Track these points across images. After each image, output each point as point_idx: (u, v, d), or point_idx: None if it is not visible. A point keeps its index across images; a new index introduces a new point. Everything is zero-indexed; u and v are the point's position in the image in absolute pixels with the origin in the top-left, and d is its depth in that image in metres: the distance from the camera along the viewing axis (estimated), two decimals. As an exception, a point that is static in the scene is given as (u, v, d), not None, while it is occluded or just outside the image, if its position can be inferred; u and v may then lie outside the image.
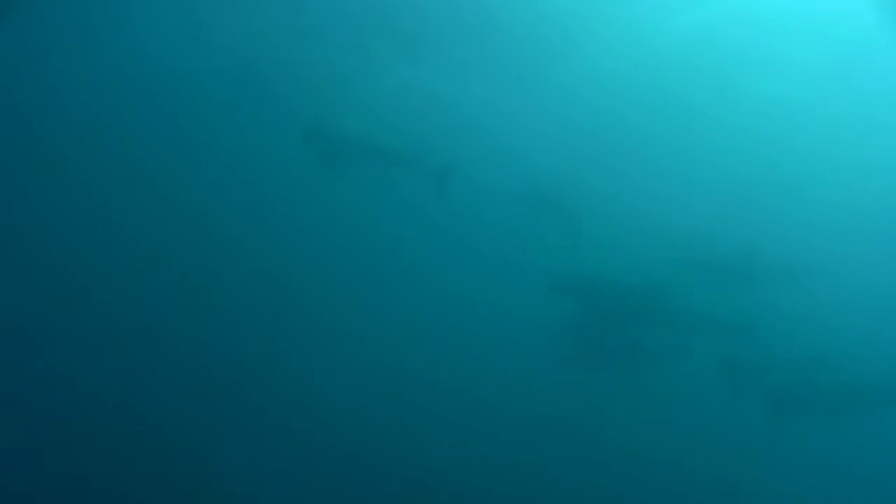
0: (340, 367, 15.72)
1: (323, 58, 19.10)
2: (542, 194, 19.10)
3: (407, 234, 18.42)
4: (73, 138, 16.74)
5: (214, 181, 17.84)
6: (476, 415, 15.32)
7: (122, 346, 14.92)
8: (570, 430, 15.09)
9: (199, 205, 17.41)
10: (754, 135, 20.17)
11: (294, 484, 14.02)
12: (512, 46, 19.35)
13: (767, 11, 18.99)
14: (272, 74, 19.02)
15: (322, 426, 14.62)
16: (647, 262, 16.03)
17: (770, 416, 14.96)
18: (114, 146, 17.10)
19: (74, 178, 16.46)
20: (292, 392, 15.10)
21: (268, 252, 17.55)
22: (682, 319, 15.44)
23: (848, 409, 15.05)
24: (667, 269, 16.17)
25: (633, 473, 14.72)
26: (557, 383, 15.44)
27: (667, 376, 15.67)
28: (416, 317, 16.93)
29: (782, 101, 20.07)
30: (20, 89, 16.75)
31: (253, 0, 18.21)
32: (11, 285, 14.83)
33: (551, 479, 14.57)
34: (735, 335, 15.44)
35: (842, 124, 20.19)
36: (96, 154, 16.89)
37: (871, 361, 15.59)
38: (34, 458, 12.88)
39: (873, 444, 15.71)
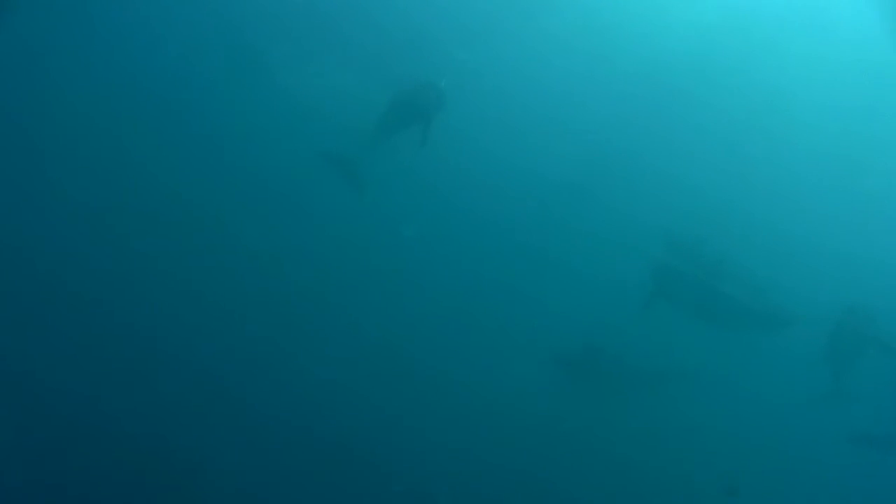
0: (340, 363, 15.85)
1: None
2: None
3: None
4: (75, 136, 16.66)
5: (216, 176, 17.74)
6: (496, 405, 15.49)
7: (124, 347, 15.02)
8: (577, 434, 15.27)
9: (201, 201, 17.33)
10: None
11: (289, 482, 14.21)
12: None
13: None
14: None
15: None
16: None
17: None
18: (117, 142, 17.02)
19: (76, 178, 16.40)
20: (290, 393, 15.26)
21: (267, 244, 17.54)
22: None
23: None
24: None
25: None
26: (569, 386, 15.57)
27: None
28: (420, 316, 16.97)
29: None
30: (20, 85, 16.60)
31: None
32: (13, 286, 14.81)
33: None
34: None
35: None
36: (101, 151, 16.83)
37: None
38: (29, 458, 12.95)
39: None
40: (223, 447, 14.17)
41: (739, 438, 16.10)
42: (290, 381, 15.44)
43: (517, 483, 14.65)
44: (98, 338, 14.79)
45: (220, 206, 17.14)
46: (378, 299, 17.17)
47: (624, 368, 15.42)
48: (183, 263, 16.28)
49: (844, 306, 14.99)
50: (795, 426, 16.19)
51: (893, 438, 15.71)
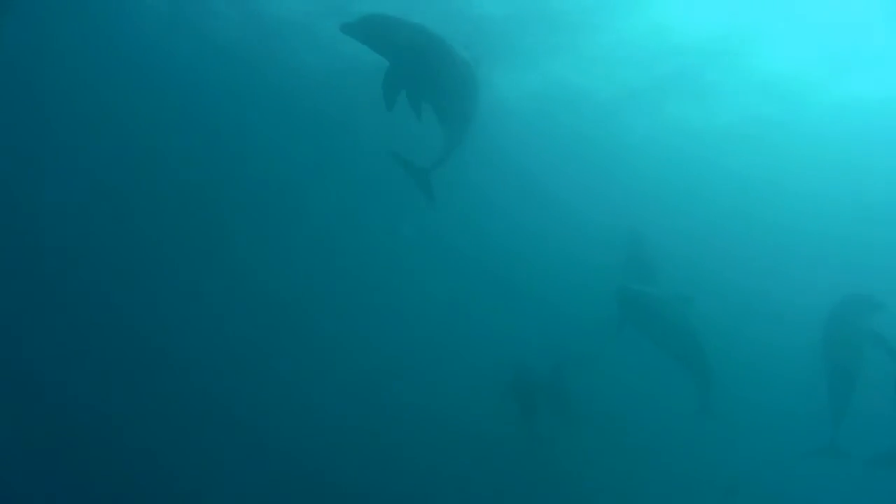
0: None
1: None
2: None
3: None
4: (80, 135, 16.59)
5: (222, 171, 17.72)
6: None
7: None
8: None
9: (204, 199, 17.30)
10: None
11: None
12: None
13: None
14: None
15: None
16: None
17: None
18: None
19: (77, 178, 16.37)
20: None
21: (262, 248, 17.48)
22: None
23: None
24: None
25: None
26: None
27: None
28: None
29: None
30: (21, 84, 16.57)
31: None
32: (15, 283, 14.79)
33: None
34: None
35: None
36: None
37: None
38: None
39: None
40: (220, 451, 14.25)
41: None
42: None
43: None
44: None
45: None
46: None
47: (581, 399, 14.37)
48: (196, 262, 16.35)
49: (840, 297, 11.90)
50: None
51: None
